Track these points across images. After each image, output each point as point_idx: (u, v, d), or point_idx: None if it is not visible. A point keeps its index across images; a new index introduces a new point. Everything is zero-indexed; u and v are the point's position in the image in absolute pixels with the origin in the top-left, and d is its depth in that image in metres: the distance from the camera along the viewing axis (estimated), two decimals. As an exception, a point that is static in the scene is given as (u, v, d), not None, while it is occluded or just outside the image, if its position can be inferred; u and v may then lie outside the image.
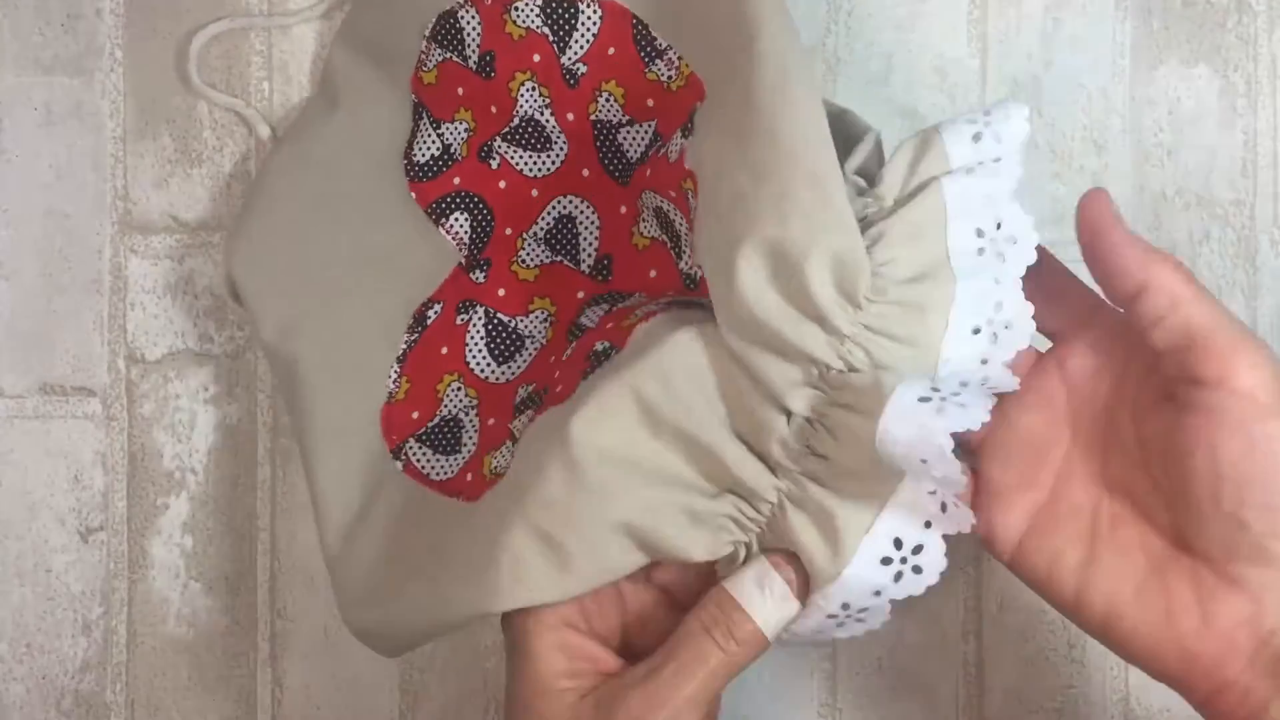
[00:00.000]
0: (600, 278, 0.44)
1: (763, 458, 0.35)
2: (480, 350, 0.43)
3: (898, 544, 0.33)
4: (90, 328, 0.49)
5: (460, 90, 0.44)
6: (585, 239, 0.44)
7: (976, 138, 0.35)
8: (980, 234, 0.34)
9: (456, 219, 0.44)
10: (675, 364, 0.35)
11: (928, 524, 0.34)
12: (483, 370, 0.43)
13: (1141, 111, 0.49)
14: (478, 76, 0.43)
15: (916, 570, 0.34)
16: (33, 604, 0.49)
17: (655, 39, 0.41)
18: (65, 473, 0.49)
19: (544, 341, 0.43)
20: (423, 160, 0.45)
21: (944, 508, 0.34)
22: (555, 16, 0.42)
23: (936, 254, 0.34)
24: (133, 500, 0.49)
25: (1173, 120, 0.49)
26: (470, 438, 0.42)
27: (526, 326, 0.44)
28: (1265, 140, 0.49)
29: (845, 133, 0.37)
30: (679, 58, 0.40)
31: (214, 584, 0.49)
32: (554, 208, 0.44)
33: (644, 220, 0.42)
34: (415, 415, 0.43)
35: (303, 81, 0.49)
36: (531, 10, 0.42)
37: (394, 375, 0.44)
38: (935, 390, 0.32)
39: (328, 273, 0.44)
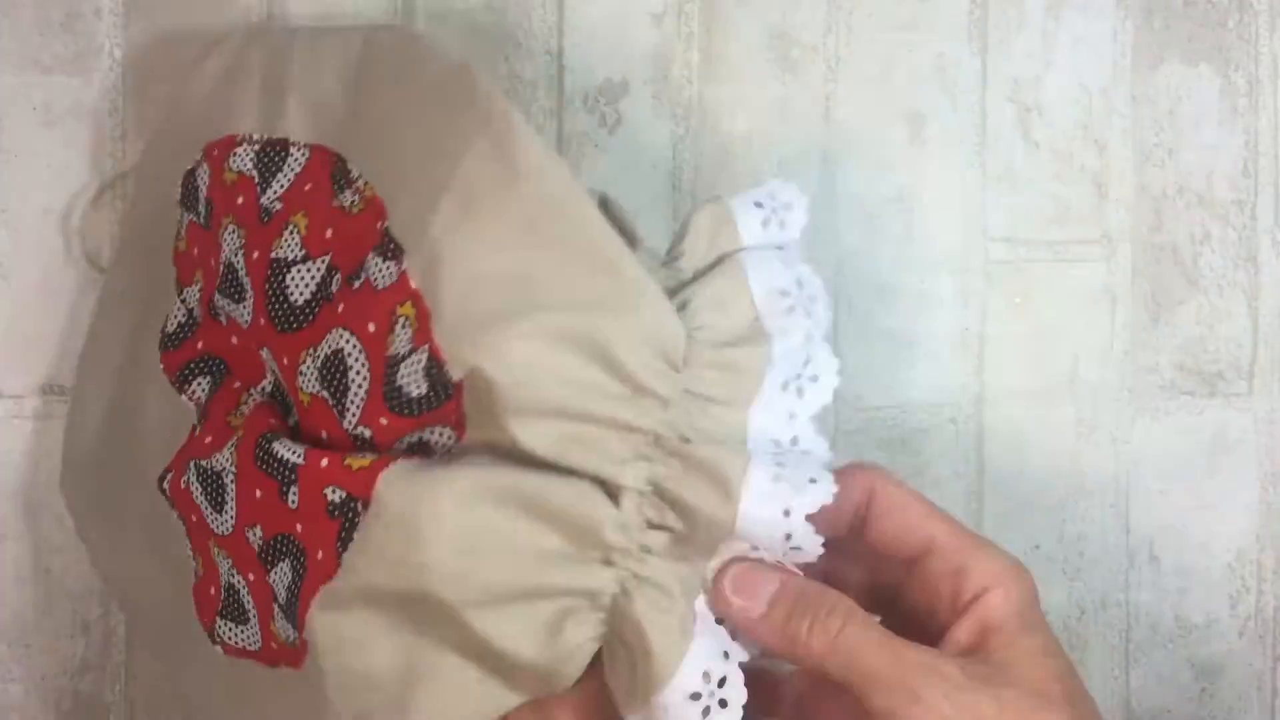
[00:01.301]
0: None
1: (595, 555, 0.33)
2: (205, 505, 0.39)
3: (706, 677, 0.32)
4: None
5: (196, 250, 0.42)
6: (284, 393, 0.40)
7: (765, 223, 0.36)
8: (785, 294, 0.35)
9: (199, 383, 0.42)
10: (470, 538, 0.32)
11: (725, 654, 0.33)
12: (215, 525, 0.39)
13: (1142, 111, 0.49)
14: (203, 229, 0.41)
15: (723, 704, 0.32)
16: (32, 604, 0.49)
17: (350, 171, 0.38)
18: (65, 473, 0.49)
19: (234, 472, 0.38)
20: (170, 330, 0.42)
21: (733, 634, 0.33)
22: (265, 159, 0.40)
23: (747, 317, 0.35)
24: (132, 500, 0.49)
25: (1173, 120, 0.49)
26: (248, 600, 0.39)
27: (219, 461, 0.39)
28: (1266, 140, 0.48)
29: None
30: (365, 183, 0.37)
31: (214, 584, 0.49)
32: (268, 362, 0.40)
33: (303, 373, 0.37)
34: (212, 591, 0.40)
35: (302, 81, 0.49)
36: (247, 156, 0.40)
37: (189, 552, 0.41)
38: (780, 465, 0.32)
39: (126, 470, 0.43)
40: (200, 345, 0.42)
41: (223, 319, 0.41)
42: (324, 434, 0.37)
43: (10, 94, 0.49)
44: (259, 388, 0.40)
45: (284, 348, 0.38)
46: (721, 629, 0.33)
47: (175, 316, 0.42)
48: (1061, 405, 0.48)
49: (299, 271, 0.38)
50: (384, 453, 0.35)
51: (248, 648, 0.39)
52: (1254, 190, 0.49)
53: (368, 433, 0.35)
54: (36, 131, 0.49)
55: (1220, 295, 0.49)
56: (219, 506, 0.39)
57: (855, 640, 0.31)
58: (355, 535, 0.34)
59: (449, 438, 0.35)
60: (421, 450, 0.35)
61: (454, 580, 0.32)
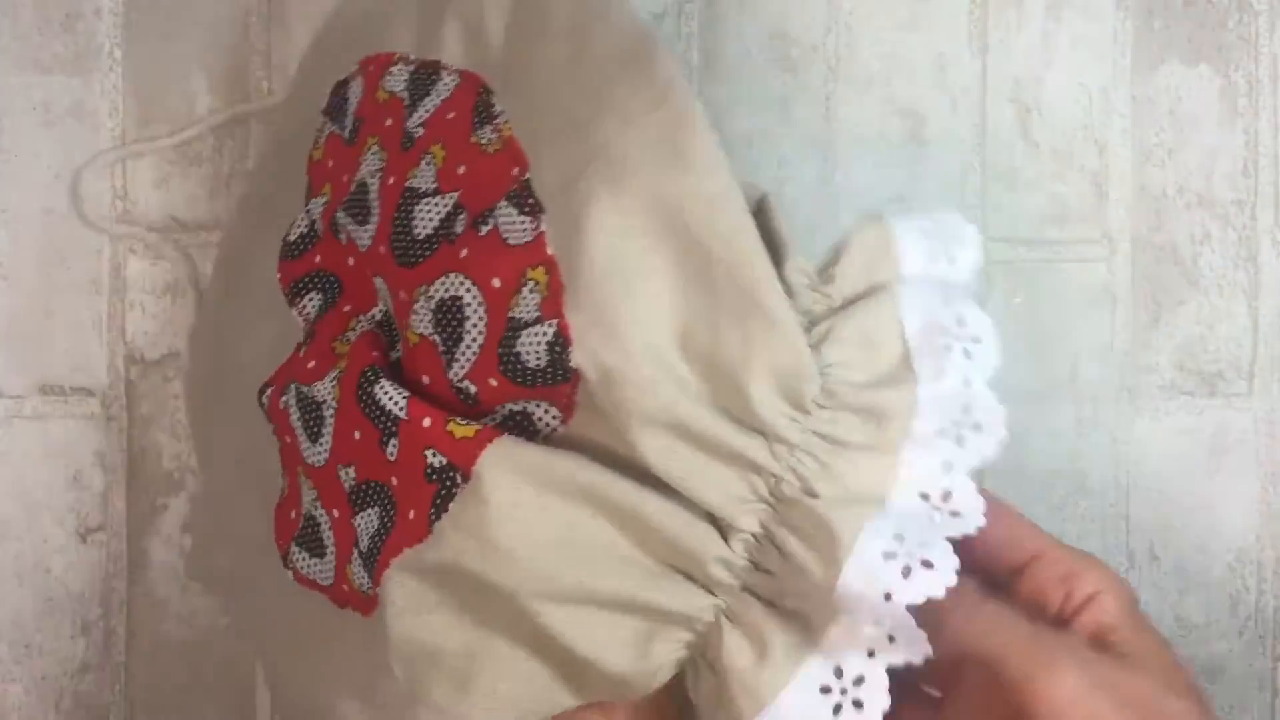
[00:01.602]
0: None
1: (694, 578, 0.32)
2: (301, 431, 0.38)
3: (838, 673, 0.31)
4: (89, 328, 0.49)
5: (331, 163, 0.40)
6: (392, 325, 0.39)
7: (931, 257, 0.34)
8: (943, 332, 0.33)
9: (310, 299, 0.40)
10: (567, 536, 0.31)
11: (870, 653, 0.31)
12: (308, 455, 0.38)
13: (1142, 111, 0.49)
14: (346, 144, 0.40)
15: (857, 705, 0.30)
16: (32, 604, 0.49)
17: (494, 106, 0.36)
18: (64, 473, 0.49)
19: (335, 406, 0.37)
20: (292, 239, 0.40)
21: (891, 638, 0.31)
22: (417, 81, 0.38)
23: (896, 355, 0.32)
24: (132, 500, 0.49)
25: (1173, 120, 0.49)
26: (328, 536, 0.38)
27: (320, 392, 0.38)
28: (1266, 140, 0.48)
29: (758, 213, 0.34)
30: (505, 122, 0.35)
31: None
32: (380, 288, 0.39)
33: (416, 312, 0.35)
34: (293, 515, 0.39)
35: (302, 81, 0.49)
36: (401, 76, 0.39)
37: (279, 468, 0.40)
38: (899, 538, 0.30)
39: (236, 376, 0.41)
40: (318, 259, 0.40)
41: (343, 237, 0.39)
42: (425, 379, 0.35)
43: (10, 94, 0.49)
44: (369, 315, 0.39)
45: (400, 281, 0.36)
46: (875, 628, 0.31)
47: (299, 226, 0.40)
48: (1061, 405, 0.48)
49: (427, 205, 0.36)
50: (486, 418, 0.34)
51: (319, 581, 0.37)
52: (1254, 190, 0.48)
53: (473, 389, 0.34)
54: (36, 131, 0.49)
55: (1220, 295, 0.49)
56: (314, 437, 0.37)
57: (993, 615, 0.31)
58: (451, 506, 0.32)
59: (555, 419, 0.33)
60: (524, 423, 0.34)
61: (541, 577, 0.31)
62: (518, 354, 0.33)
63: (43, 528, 0.49)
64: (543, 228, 0.33)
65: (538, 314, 0.32)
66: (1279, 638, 0.49)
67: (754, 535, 0.31)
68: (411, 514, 0.34)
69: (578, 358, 0.31)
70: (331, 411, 0.36)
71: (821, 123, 0.48)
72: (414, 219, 0.36)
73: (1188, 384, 0.49)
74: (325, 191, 0.40)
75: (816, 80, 0.49)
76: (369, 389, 0.35)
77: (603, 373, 0.31)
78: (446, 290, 0.34)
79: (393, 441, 0.34)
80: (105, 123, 0.49)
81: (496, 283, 0.33)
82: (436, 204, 0.35)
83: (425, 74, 0.38)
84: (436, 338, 0.34)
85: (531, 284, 0.33)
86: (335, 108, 0.40)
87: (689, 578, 0.32)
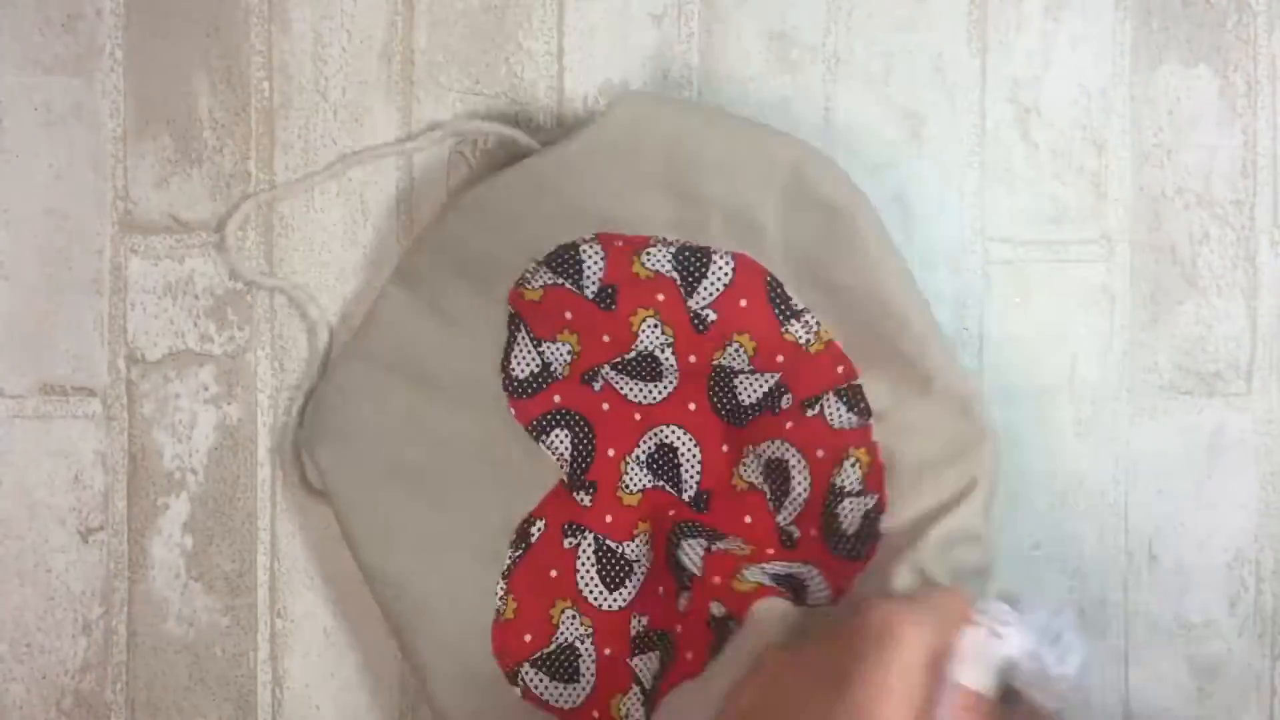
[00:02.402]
0: (698, 509, 0.45)
1: None
2: (592, 577, 0.45)
3: None
4: (90, 328, 0.49)
5: (568, 314, 0.45)
6: (687, 469, 0.45)
7: (1034, 658, 0.36)
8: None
9: (558, 435, 0.46)
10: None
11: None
12: (596, 598, 0.45)
13: (1141, 111, 0.49)
14: (594, 305, 0.44)
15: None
16: (33, 604, 0.49)
17: (791, 299, 0.44)
18: (65, 473, 0.49)
19: (648, 566, 0.45)
20: (522, 376, 0.46)
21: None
22: (686, 263, 0.44)
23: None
24: (133, 500, 0.49)
25: (1173, 120, 0.49)
26: (588, 668, 0.44)
27: (633, 551, 0.45)
28: (1265, 140, 0.49)
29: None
30: (817, 322, 0.44)
31: (214, 584, 0.49)
32: (655, 434, 0.46)
33: (745, 464, 0.45)
34: (528, 639, 0.44)
35: (303, 82, 0.49)
36: (663, 256, 0.44)
37: (500, 592, 0.45)
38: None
39: (423, 482, 0.45)
40: (557, 399, 0.46)
41: (598, 385, 0.45)
42: (748, 518, 0.44)
43: (11, 94, 0.49)
44: (632, 455, 0.46)
45: (728, 437, 0.45)
46: None
47: (525, 364, 0.46)
48: (1061, 405, 0.49)
49: (747, 380, 0.44)
50: (779, 564, 0.42)
51: (554, 703, 0.44)
52: (1252, 190, 0.49)
53: (795, 533, 0.44)
54: (36, 131, 0.49)
55: (1219, 295, 0.49)
56: (614, 586, 0.45)
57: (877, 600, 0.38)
58: (725, 648, 0.40)
59: (824, 594, 0.42)
60: (797, 588, 0.42)
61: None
62: (836, 515, 0.43)
63: (44, 527, 0.49)
64: (871, 424, 0.43)
65: (860, 487, 0.42)
66: (1277, 637, 0.49)
67: None
68: (689, 655, 0.41)
69: (887, 523, 0.42)
70: (644, 570, 0.45)
71: (821, 123, 0.49)
72: (737, 389, 0.45)
73: (1186, 384, 0.49)
74: (567, 340, 0.45)
75: (816, 80, 0.49)
76: (673, 550, 0.43)
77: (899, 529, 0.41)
78: (774, 453, 0.44)
79: (685, 595, 0.42)
80: (105, 123, 0.49)
81: (820, 454, 0.43)
82: (758, 381, 0.44)
83: (693, 256, 0.44)
84: (766, 488, 0.44)
85: (854, 460, 0.42)
86: (562, 264, 0.44)
87: None
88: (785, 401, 0.44)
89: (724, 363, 0.44)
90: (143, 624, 0.49)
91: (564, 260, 0.44)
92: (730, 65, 0.49)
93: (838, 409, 0.43)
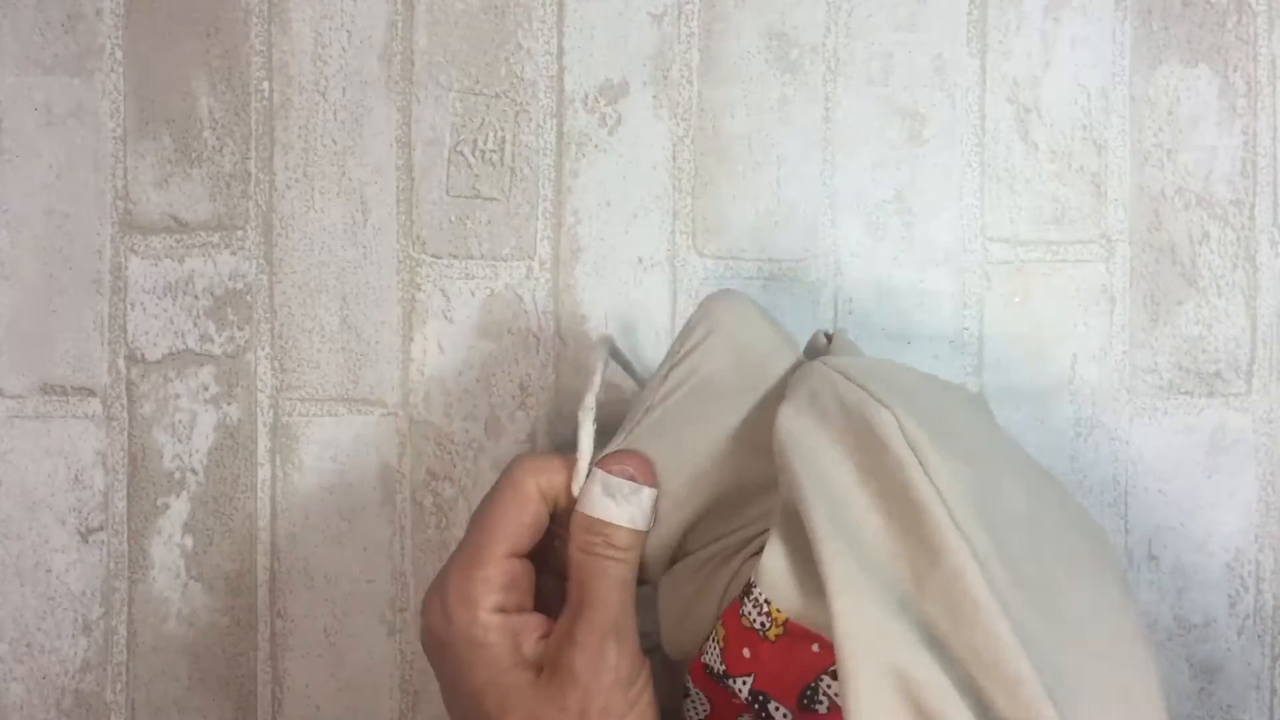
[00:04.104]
0: None
1: None
2: None
3: None
4: (90, 328, 0.49)
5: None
6: None
7: None
8: None
9: None
10: None
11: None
12: None
13: (1141, 112, 0.49)
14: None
15: None
16: (33, 604, 0.49)
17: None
18: (65, 473, 0.49)
19: None
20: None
21: None
22: None
23: None
24: (133, 500, 0.49)
25: (1173, 120, 0.49)
26: None
27: None
28: (1265, 140, 0.49)
29: None
30: (766, 600, 0.37)
31: (214, 584, 0.49)
32: None
33: None
34: None
35: (303, 82, 0.49)
36: None
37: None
38: None
39: None
40: None
41: None
42: None
43: (11, 94, 0.49)
44: None
45: None
46: None
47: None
48: (1060, 405, 0.49)
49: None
50: None
51: None
52: (1252, 190, 0.49)
53: None
54: (36, 131, 0.49)
55: (1219, 295, 0.49)
56: None
57: None
58: None
59: None
60: None
61: None
62: None
63: (44, 527, 0.49)
64: None
65: None
66: (1277, 637, 0.49)
67: None
68: None
69: None
70: None
71: (821, 123, 0.49)
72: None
73: (1186, 384, 0.49)
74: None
75: (816, 80, 0.49)
76: None
77: None
78: None
79: None
80: (106, 123, 0.49)
81: None
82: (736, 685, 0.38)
83: None
84: None
85: None
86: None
87: None
88: (780, 714, 0.37)
89: (707, 661, 0.38)
90: (143, 624, 0.49)
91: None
92: (730, 65, 0.49)
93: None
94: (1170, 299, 0.49)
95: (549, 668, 0.37)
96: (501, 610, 0.37)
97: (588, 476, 0.38)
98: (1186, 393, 0.49)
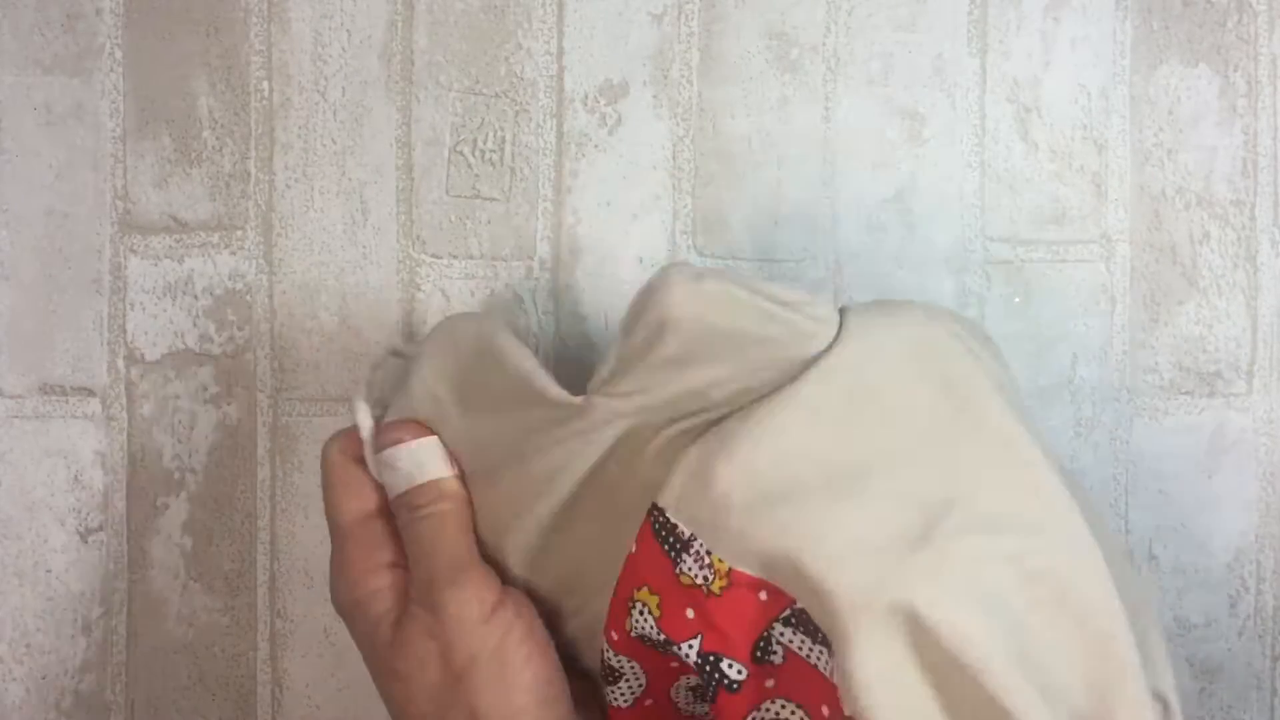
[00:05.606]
0: None
1: None
2: None
3: None
4: (90, 328, 0.49)
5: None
6: None
7: None
8: None
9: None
10: None
11: None
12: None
13: (1141, 111, 0.49)
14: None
15: None
16: (33, 604, 0.49)
17: (675, 525, 0.36)
18: (65, 473, 0.49)
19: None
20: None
21: None
22: None
23: None
24: (133, 500, 0.49)
25: (1173, 120, 0.49)
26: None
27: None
28: (1265, 140, 0.48)
29: None
30: (707, 551, 0.35)
31: (214, 584, 0.49)
32: None
33: None
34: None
35: (303, 82, 0.49)
36: None
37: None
38: None
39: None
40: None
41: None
42: None
43: (10, 94, 0.49)
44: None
45: None
46: None
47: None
48: (1061, 405, 0.48)
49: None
50: None
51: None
52: (1253, 190, 0.49)
53: None
54: (36, 131, 0.49)
55: (1219, 295, 0.49)
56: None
57: None
58: None
59: None
60: None
61: None
62: None
63: (43, 527, 0.49)
64: None
65: None
66: (1278, 637, 0.49)
67: None
68: None
69: None
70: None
71: (821, 122, 0.49)
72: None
73: (1187, 384, 0.49)
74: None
75: (816, 80, 0.49)
76: None
77: None
78: None
79: None
80: (105, 123, 0.49)
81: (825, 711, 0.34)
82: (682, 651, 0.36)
83: None
84: None
85: None
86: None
87: None
88: (735, 671, 0.35)
89: (637, 632, 0.36)
90: (143, 624, 0.49)
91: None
92: (730, 65, 0.49)
93: (803, 642, 0.34)
94: (1171, 299, 0.49)
95: (404, 626, 0.38)
96: (395, 586, 0.39)
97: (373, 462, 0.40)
98: (1187, 393, 0.49)
